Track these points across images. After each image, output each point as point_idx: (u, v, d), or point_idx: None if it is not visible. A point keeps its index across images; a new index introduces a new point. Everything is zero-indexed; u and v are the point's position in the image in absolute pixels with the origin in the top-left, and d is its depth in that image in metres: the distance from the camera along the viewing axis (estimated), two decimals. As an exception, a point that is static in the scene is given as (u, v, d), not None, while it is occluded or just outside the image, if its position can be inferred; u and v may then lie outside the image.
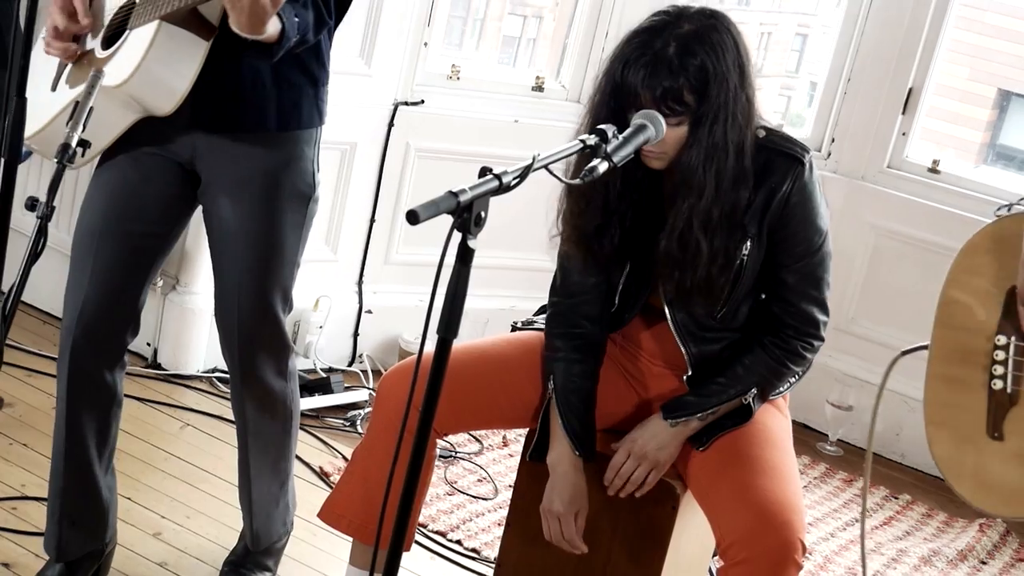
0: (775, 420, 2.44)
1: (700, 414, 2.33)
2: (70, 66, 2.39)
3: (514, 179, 1.80)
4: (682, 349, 2.37)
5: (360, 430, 3.51)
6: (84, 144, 2.02)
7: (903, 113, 4.04)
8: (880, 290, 4.07)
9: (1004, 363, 2.06)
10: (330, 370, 3.77)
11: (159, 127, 2.32)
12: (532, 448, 2.44)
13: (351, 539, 2.49)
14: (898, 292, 4.04)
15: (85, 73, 2.31)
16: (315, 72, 2.40)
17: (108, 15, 2.35)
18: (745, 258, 2.27)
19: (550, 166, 1.89)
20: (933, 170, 4.05)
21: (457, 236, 1.76)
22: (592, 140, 1.97)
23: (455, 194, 1.71)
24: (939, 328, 2.16)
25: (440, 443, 2.92)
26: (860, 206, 4.04)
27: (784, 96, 6.03)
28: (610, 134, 1.99)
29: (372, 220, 3.85)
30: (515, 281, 4.04)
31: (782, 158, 2.26)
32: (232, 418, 3.35)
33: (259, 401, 2.54)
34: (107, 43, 2.32)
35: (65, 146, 1.99)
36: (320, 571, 2.84)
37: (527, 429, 2.50)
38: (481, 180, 1.77)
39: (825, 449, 4.02)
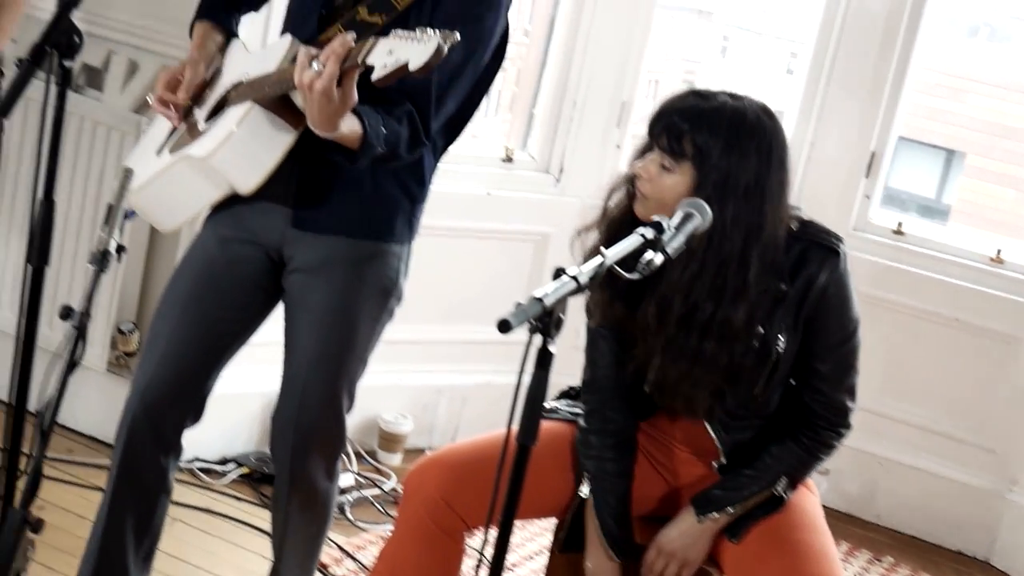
0: (807, 500, 2.44)
1: (729, 507, 2.32)
2: (177, 133, 2.38)
3: (589, 279, 1.77)
4: (714, 438, 2.36)
5: (350, 516, 3.42)
6: (121, 249, 1.95)
7: (866, 176, 4.10)
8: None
9: None
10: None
11: (253, 213, 2.34)
12: (564, 540, 2.40)
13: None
14: (870, 354, 4.06)
15: (186, 142, 2.32)
16: (413, 189, 2.41)
17: (222, 89, 2.36)
18: (781, 350, 2.27)
19: (616, 266, 1.86)
20: (898, 232, 4.11)
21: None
22: (650, 233, 1.95)
23: (539, 299, 1.68)
24: None
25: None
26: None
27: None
28: (665, 225, 1.98)
29: (348, 298, 3.77)
30: (489, 355, 3.99)
31: (817, 249, 2.27)
32: (223, 512, 3.29)
33: (304, 501, 2.47)
34: (211, 116, 2.33)
35: (104, 252, 1.91)
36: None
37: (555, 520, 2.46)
38: (559, 283, 1.74)
39: (803, 512, 4.01)
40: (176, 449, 2.45)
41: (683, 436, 2.42)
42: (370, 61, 1.91)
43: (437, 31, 1.86)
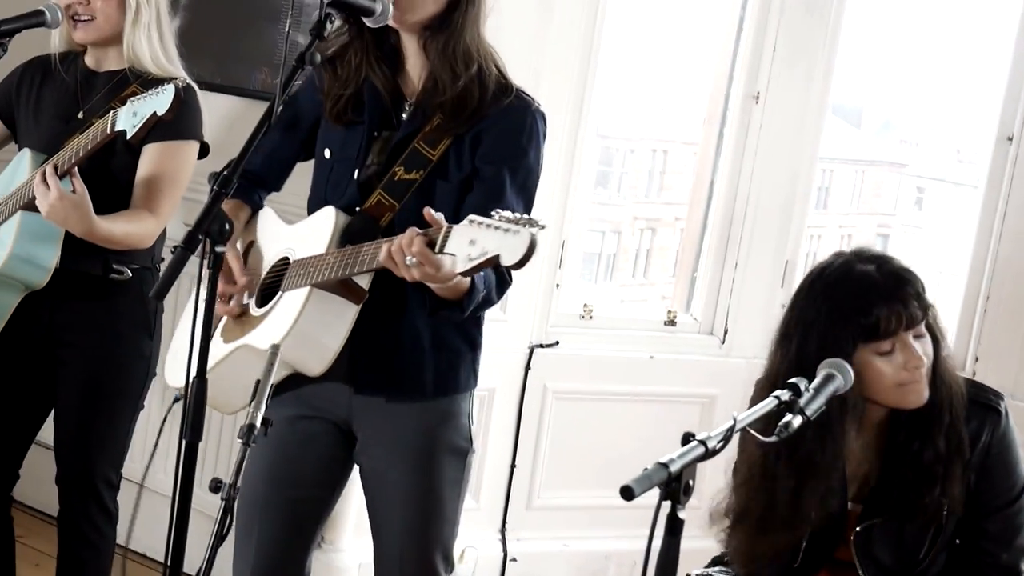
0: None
1: None
2: (224, 319, 2.42)
3: (719, 443, 1.75)
4: None
5: None
6: (267, 423, 2.01)
7: (1047, 327, 3.93)
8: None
9: None
10: (477, 623, 3.65)
11: (315, 389, 2.34)
12: None
13: None
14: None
15: (240, 329, 2.35)
16: (473, 335, 2.40)
17: (265, 266, 2.39)
18: (946, 511, 2.18)
19: (750, 427, 1.83)
20: (1086, 383, 3.91)
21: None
22: (786, 395, 1.91)
23: (665, 465, 1.67)
24: None
25: None
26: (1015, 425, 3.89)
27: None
28: (802, 387, 1.94)
29: (513, 466, 3.79)
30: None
31: (977, 407, 2.20)
32: None
33: None
34: (261, 300, 2.36)
35: (250, 426, 1.98)
36: None
37: None
38: (686, 448, 1.72)
39: None
40: None
41: (843, 604, 2.32)
42: (448, 250, 1.92)
43: (523, 220, 1.85)
